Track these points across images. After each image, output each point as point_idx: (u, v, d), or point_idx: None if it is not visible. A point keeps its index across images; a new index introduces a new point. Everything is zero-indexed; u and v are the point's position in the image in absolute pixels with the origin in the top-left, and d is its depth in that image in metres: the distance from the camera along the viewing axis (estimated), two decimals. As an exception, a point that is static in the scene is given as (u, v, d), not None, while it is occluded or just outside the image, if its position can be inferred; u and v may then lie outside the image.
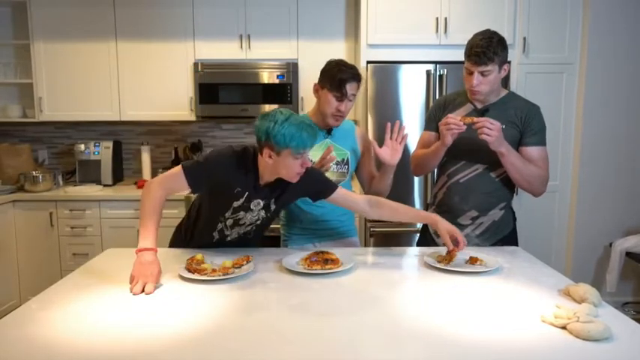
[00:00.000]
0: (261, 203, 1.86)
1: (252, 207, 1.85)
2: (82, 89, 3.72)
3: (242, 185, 1.80)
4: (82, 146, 3.87)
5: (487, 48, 1.91)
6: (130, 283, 1.56)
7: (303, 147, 1.69)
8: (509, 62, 2.04)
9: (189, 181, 1.76)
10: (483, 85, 1.96)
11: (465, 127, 1.91)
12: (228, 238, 1.96)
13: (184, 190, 1.80)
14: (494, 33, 1.97)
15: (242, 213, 1.86)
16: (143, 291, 1.51)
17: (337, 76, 1.97)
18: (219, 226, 1.91)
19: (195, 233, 2.00)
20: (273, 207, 1.91)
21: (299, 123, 1.69)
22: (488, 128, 1.85)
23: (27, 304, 1.44)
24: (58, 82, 3.72)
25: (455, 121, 1.92)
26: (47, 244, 3.52)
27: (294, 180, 1.78)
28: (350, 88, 1.99)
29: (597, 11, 3.36)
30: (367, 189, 2.24)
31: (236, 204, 1.83)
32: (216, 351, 1.17)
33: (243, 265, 1.73)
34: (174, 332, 1.25)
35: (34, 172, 3.67)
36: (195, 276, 1.63)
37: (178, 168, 1.77)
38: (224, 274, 1.64)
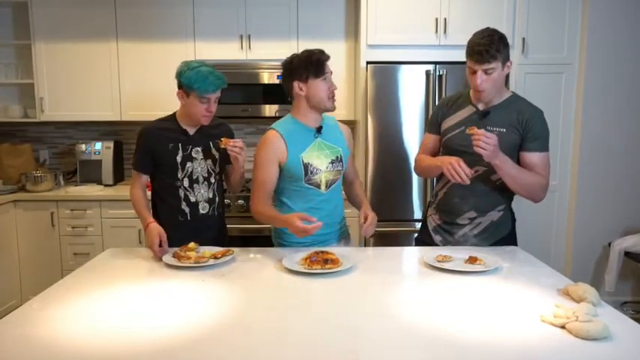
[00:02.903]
0: (200, 151, 2.13)
1: (193, 155, 2.13)
2: (82, 89, 3.73)
3: (171, 139, 2.10)
4: (83, 146, 3.87)
5: (489, 46, 1.89)
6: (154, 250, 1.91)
7: (205, 91, 1.99)
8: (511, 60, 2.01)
9: (139, 169, 2.14)
10: (487, 83, 1.94)
11: (468, 183, 1.87)
12: (200, 209, 2.14)
13: (146, 178, 2.17)
14: (495, 31, 1.95)
15: (189, 164, 2.12)
16: (161, 255, 1.88)
17: (315, 62, 1.97)
18: (181, 192, 2.12)
19: (167, 214, 2.12)
20: (215, 154, 2.17)
21: (208, 71, 2.01)
22: (484, 142, 1.82)
23: (28, 303, 1.45)
24: (59, 82, 3.72)
25: (461, 174, 1.84)
26: (48, 243, 3.52)
27: (203, 121, 2.08)
28: (329, 66, 2.01)
29: (596, 11, 3.35)
30: (346, 189, 2.26)
31: (179, 158, 2.10)
32: (216, 351, 1.17)
33: (219, 257, 1.82)
34: (175, 332, 1.26)
35: (35, 172, 3.68)
36: (171, 261, 1.79)
37: (133, 169, 2.17)
38: (196, 262, 1.77)
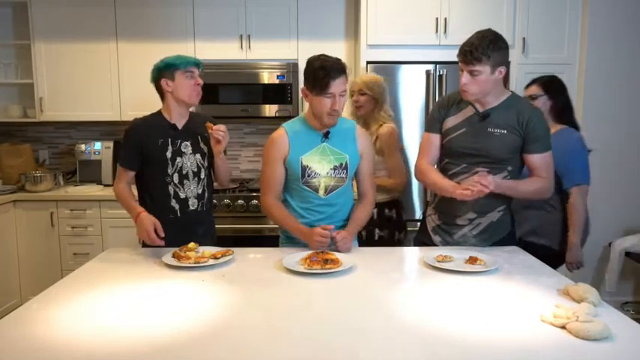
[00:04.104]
0: (189, 145, 2.14)
1: (183, 149, 2.13)
2: (82, 89, 3.73)
3: (161, 134, 2.12)
4: (83, 146, 3.88)
5: (476, 47, 1.86)
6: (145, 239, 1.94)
7: (186, 62, 2.08)
8: (509, 63, 1.99)
9: (126, 166, 2.13)
10: (472, 85, 1.91)
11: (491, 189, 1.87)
12: (190, 205, 2.15)
13: (132, 174, 2.16)
14: (491, 33, 1.91)
15: (179, 159, 2.13)
16: (156, 244, 1.91)
17: (322, 79, 1.89)
18: (171, 189, 2.12)
19: (155, 211, 2.08)
20: (204, 147, 2.18)
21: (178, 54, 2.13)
22: (482, 186, 1.83)
23: (28, 303, 1.45)
24: (58, 82, 3.72)
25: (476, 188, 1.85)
26: (48, 243, 3.52)
27: (195, 99, 2.12)
28: (337, 85, 1.91)
29: (596, 11, 3.36)
30: (359, 196, 2.19)
31: (169, 154, 2.11)
32: (216, 350, 1.17)
33: (219, 257, 1.81)
34: (174, 332, 1.26)
35: (34, 172, 3.68)
36: (172, 262, 1.77)
37: (118, 165, 2.16)
38: (196, 262, 1.77)
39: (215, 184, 2.31)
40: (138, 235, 1.97)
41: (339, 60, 1.94)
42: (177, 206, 2.13)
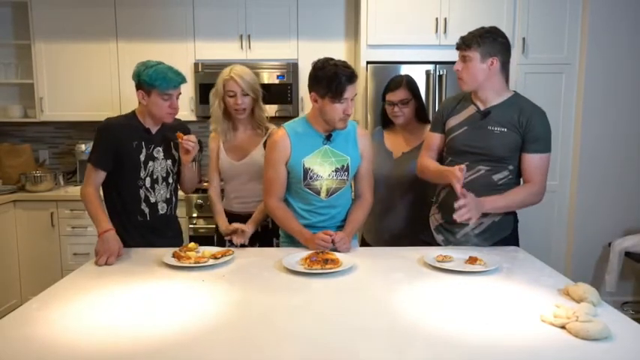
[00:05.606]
0: (161, 150, 2.13)
1: (155, 154, 2.11)
2: (82, 89, 3.73)
3: (135, 137, 2.07)
4: (83, 146, 3.87)
5: (471, 34, 1.94)
6: (96, 256, 1.84)
7: (166, 86, 1.98)
8: (507, 58, 2.01)
9: (100, 166, 2.04)
10: (464, 71, 1.97)
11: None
12: (159, 209, 2.14)
13: (103, 176, 2.06)
14: (493, 27, 1.98)
15: (151, 163, 2.10)
16: (107, 263, 1.80)
17: (336, 86, 1.87)
18: (142, 193, 2.09)
19: (125, 213, 2.09)
20: (175, 154, 2.18)
21: (167, 68, 2.01)
22: (463, 212, 1.82)
23: (28, 303, 1.45)
24: (58, 82, 3.72)
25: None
26: (48, 244, 3.52)
27: (167, 119, 2.08)
28: (351, 90, 1.91)
29: (596, 11, 3.35)
30: (356, 196, 2.18)
31: (142, 157, 2.08)
32: (216, 350, 1.17)
33: (219, 257, 1.82)
34: (174, 332, 1.26)
35: (34, 172, 3.68)
36: (172, 262, 1.77)
37: (89, 164, 2.05)
38: (196, 262, 1.77)
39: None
40: (96, 249, 1.87)
41: (348, 63, 1.94)
42: (147, 209, 2.11)
